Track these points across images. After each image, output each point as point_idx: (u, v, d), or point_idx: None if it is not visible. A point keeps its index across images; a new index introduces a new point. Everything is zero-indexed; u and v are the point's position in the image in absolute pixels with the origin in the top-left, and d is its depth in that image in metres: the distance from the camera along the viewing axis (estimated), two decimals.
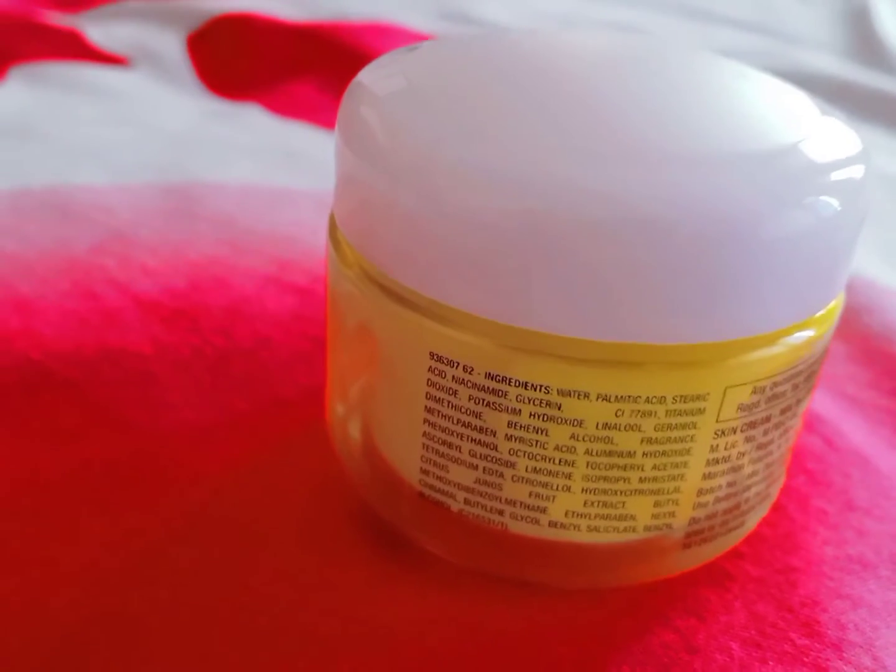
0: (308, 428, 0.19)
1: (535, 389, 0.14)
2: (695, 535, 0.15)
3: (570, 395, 0.14)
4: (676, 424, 0.14)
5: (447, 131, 0.13)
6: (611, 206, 0.13)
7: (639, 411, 0.14)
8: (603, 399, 0.14)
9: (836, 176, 0.14)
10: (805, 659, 0.15)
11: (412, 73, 0.15)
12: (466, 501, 0.15)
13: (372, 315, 0.15)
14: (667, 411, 0.14)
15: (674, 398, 0.14)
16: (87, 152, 0.29)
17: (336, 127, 0.15)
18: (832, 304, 0.15)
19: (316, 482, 0.18)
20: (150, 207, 0.26)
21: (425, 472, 0.15)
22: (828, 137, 0.14)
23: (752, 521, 0.16)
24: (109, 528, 0.16)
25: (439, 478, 0.15)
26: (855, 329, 0.24)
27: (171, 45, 0.40)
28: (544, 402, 0.14)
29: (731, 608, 0.16)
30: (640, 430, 0.14)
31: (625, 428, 0.14)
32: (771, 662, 0.15)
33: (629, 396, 0.14)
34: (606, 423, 0.14)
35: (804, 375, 0.15)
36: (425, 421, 0.15)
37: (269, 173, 0.29)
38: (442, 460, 0.15)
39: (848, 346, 0.23)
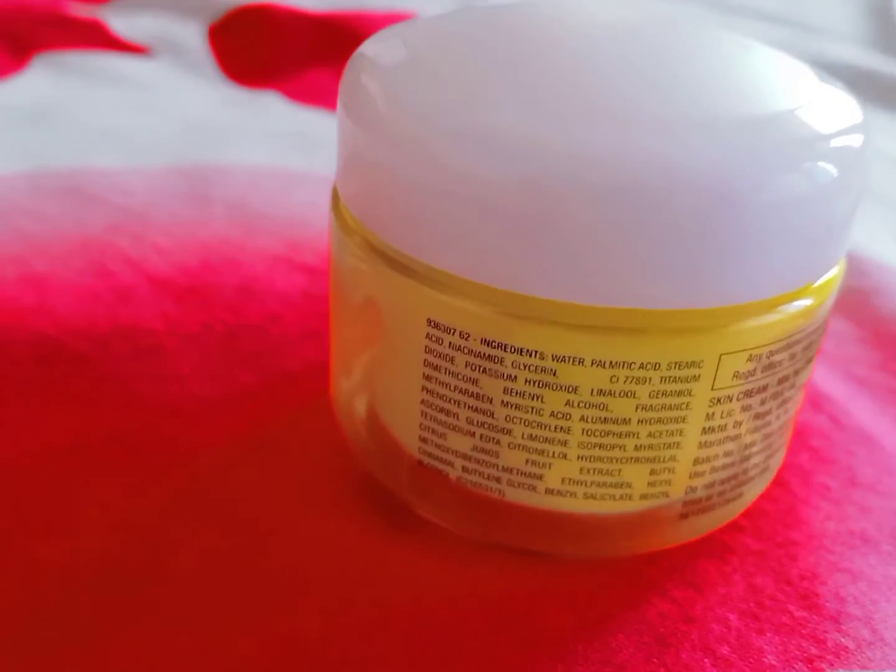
0: (313, 400, 0.19)
1: (530, 355, 0.14)
2: (693, 505, 0.15)
3: (564, 361, 0.14)
4: (671, 391, 0.14)
5: (445, 99, 0.14)
6: (605, 171, 0.13)
7: (633, 377, 0.14)
8: (597, 365, 0.14)
9: (834, 143, 0.14)
10: (803, 630, 0.15)
11: (412, 44, 0.15)
12: (464, 469, 0.15)
13: (372, 282, 0.15)
14: (661, 378, 0.14)
15: (668, 364, 0.14)
16: (107, 137, 0.29)
17: (338, 97, 0.15)
18: (830, 274, 0.15)
19: (319, 452, 0.18)
20: (166, 190, 0.26)
21: (424, 439, 0.15)
22: (827, 105, 0.14)
23: (750, 494, 0.16)
24: (112, 494, 0.17)
25: (438, 445, 0.15)
26: (866, 312, 0.24)
27: (193, 36, 0.40)
28: (539, 367, 0.14)
29: (730, 580, 0.16)
30: (634, 397, 0.14)
31: (619, 394, 0.14)
32: (768, 633, 0.15)
33: (623, 362, 0.14)
34: (601, 390, 0.14)
35: (802, 346, 0.15)
36: (423, 388, 0.15)
37: (286, 157, 0.29)
38: (440, 428, 0.15)
39: (859, 329, 0.23)
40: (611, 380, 0.14)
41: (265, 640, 0.14)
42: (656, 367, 0.14)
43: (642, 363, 0.14)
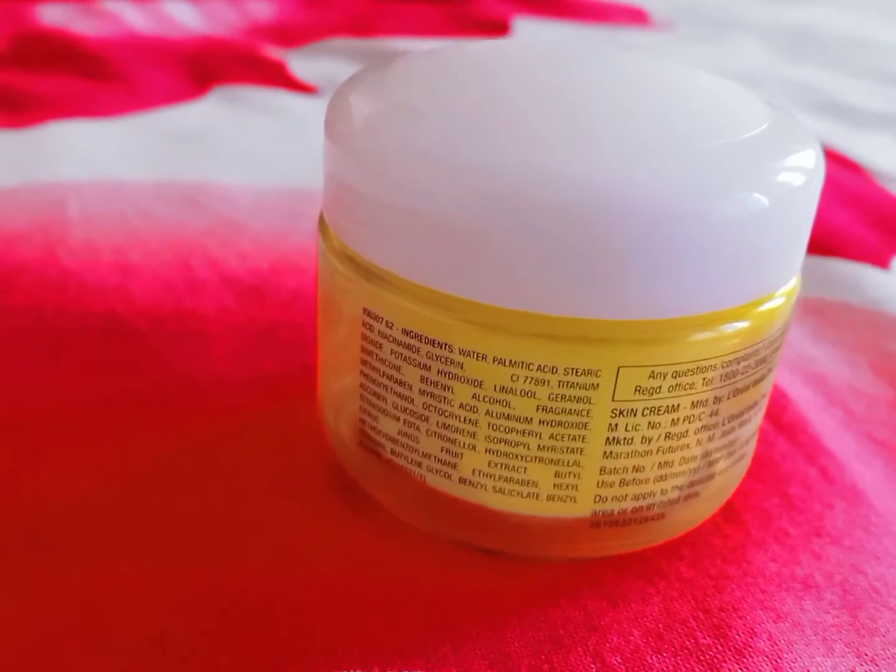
0: (314, 391, 0.21)
1: (441, 347, 0.15)
2: (604, 516, 0.16)
3: (470, 356, 0.15)
4: (570, 396, 0.15)
5: (403, 121, 0.15)
6: (503, 184, 0.14)
7: (532, 378, 0.15)
8: (498, 362, 0.15)
9: (760, 175, 0.14)
10: (701, 657, 0.16)
11: (396, 74, 0.17)
12: (392, 452, 0.16)
13: (329, 275, 0.17)
14: (559, 382, 0.15)
15: (565, 370, 0.15)
16: (241, 158, 0.33)
17: (325, 114, 0.17)
18: (753, 306, 0.15)
19: (302, 436, 0.19)
20: (268, 205, 0.29)
21: (362, 421, 0.17)
22: (774, 138, 0.15)
23: (677, 517, 0.17)
24: (124, 444, 0.19)
25: (372, 427, 0.17)
26: None
27: None
28: (449, 360, 0.15)
29: (649, 601, 0.16)
30: (535, 397, 0.15)
31: (521, 393, 0.15)
32: (665, 654, 0.16)
33: (522, 362, 0.15)
34: (503, 387, 0.15)
35: (719, 373, 0.15)
36: (361, 373, 0.16)
37: None
38: (373, 411, 0.16)
39: None
40: (511, 378, 0.15)
41: (206, 582, 0.16)
42: (553, 370, 0.15)
43: (540, 365, 0.15)
